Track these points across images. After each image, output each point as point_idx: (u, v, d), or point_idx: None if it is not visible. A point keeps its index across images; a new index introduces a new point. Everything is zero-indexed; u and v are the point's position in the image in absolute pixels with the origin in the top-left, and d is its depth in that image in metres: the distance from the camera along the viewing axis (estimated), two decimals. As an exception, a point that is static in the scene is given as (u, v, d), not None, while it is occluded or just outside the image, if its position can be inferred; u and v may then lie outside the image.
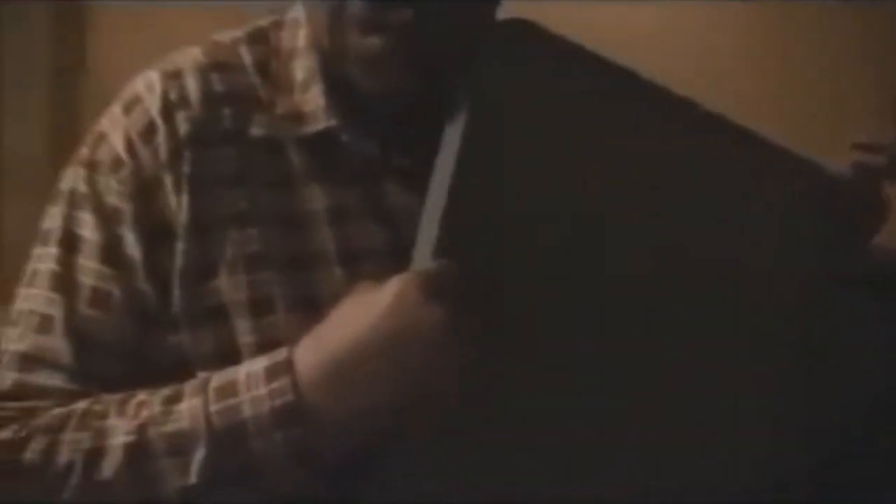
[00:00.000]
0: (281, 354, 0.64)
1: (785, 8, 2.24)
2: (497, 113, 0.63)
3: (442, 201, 0.63)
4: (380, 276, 0.64)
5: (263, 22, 0.79)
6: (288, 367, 0.63)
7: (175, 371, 0.68)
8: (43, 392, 0.69)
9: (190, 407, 0.64)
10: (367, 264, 0.70)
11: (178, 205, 0.71)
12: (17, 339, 0.71)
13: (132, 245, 0.71)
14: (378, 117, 0.73)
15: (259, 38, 0.78)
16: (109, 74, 2.52)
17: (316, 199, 0.72)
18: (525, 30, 0.64)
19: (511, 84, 0.63)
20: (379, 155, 0.74)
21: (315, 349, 0.63)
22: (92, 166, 0.74)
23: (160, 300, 0.70)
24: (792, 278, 0.72)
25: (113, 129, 0.74)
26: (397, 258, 0.66)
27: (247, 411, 0.63)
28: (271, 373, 0.63)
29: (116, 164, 0.73)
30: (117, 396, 0.67)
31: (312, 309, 0.67)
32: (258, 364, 0.64)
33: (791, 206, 0.72)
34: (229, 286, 0.70)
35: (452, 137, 0.63)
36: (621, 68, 0.66)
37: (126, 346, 0.70)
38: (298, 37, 0.76)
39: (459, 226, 0.62)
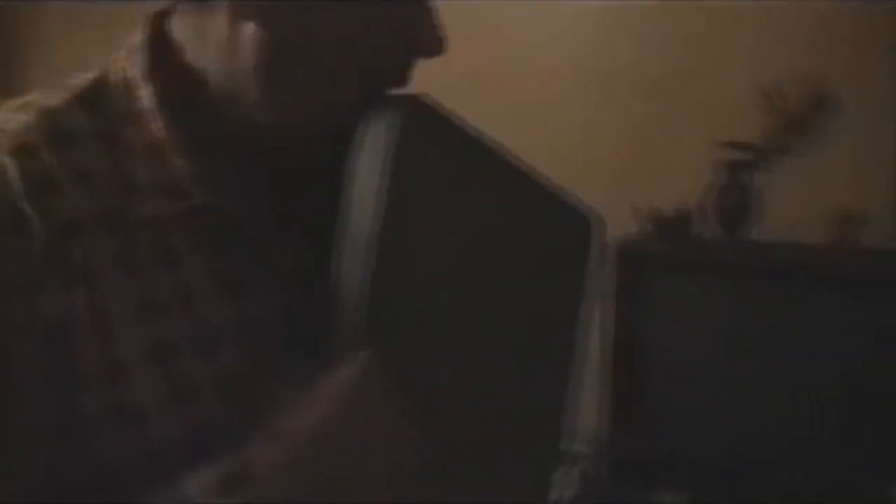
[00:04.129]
0: None
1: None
2: (409, 199, 0.65)
3: (364, 287, 0.64)
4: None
5: (82, 80, 0.72)
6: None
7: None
8: None
9: None
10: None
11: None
12: None
13: None
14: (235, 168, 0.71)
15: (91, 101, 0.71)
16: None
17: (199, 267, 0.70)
18: (425, 111, 0.67)
19: (419, 169, 0.65)
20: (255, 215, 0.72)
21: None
22: None
23: None
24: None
25: None
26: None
27: None
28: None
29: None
30: None
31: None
32: None
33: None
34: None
35: (362, 219, 0.65)
36: (493, 149, 0.70)
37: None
38: (137, 77, 0.70)
39: (383, 313, 0.64)
